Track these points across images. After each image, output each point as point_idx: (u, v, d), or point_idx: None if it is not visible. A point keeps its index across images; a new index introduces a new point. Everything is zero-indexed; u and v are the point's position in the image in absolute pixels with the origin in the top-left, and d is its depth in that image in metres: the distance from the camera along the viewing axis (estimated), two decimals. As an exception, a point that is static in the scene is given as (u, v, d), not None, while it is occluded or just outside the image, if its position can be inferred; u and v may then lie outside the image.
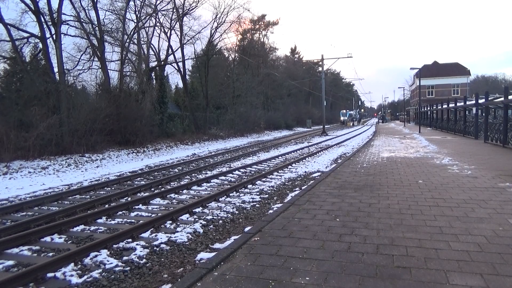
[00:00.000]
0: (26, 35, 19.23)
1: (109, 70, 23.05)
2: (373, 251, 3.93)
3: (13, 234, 5.69)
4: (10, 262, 4.77)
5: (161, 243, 5.31)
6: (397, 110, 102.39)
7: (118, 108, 19.64)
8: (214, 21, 32.12)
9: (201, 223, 6.24)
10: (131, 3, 24.91)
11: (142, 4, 25.29)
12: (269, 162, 14.52)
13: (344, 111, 68.97)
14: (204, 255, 4.68)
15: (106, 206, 7.68)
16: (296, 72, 61.30)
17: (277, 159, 15.49)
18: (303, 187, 8.40)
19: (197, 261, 4.58)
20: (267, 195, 8.36)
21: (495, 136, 16.77)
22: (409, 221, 4.98)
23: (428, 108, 41.23)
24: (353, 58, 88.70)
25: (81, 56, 22.68)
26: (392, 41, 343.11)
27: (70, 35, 22.02)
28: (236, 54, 41.26)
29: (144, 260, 4.76)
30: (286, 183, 9.79)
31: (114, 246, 5.19)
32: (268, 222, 5.11)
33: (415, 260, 3.66)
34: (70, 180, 11.23)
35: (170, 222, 6.36)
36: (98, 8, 22.17)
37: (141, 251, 5.00)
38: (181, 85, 36.15)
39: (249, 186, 9.42)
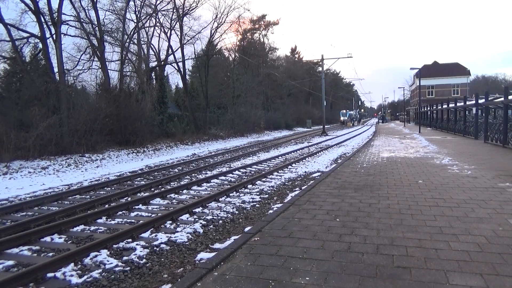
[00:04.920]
0: (26, 35, 19.26)
1: (109, 70, 23.09)
2: (373, 251, 3.93)
3: (13, 234, 5.69)
4: (10, 262, 4.77)
5: (161, 243, 5.31)
6: (397, 110, 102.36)
7: (118, 108, 19.63)
8: (214, 21, 32.17)
9: (201, 223, 6.24)
10: (131, 3, 24.95)
11: (142, 4, 25.33)
12: (269, 162, 14.52)
13: (344, 111, 68.89)
14: (204, 255, 4.68)
15: (106, 206, 7.67)
16: (296, 72, 61.24)
17: (277, 159, 15.49)
18: (303, 187, 8.40)
19: (197, 261, 4.58)
20: (267, 195, 8.36)
21: (495, 136, 16.76)
22: (409, 221, 4.98)
23: (428, 108, 41.22)
24: (353, 58, 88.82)
25: (81, 56, 22.73)
26: (391, 41, 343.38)
27: (70, 35, 22.08)
28: (236, 54, 41.27)
29: (144, 260, 4.76)
30: (286, 183, 9.79)
31: (114, 246, 5.19)
32: (268, 222, 5.11)
33: (415, 260, 3.66)
34: (70, 180, 11.23)
35: (170, 222, 6.36)
36: (98, 8, 22.21)
37: (141, 251, 5.00)
38: (181, 85, 36.20)
39: (249, 186, 9.42)
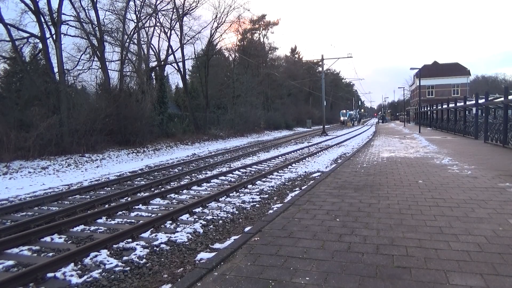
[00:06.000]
0: (26, 35, 19.26)
1: (109, 70, 23.09)
2: (373, 251, 3.93)
3: (13, 234, 5.69)
4: (10, 262, 4.77)
5: (161, 243, 5.30)
6: (397, 110, 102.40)
7: (118, 108, 19.62)
8: (214, 21, 32.23)
9: (201, 223, 6.24)
10: (131, 3, 24.96)
11: (142, 4, 25.33)
12: (269, 162, 14.51)
13: (344, 111, 68.86)
14: (204, 255, 4.68)
15: (106, 206, 7.67)
16: (296, 72, 61.28)
17: (277, 159, 15.49)
18: (303, 187, 8.40)
19: (197, 261, 4.58)
20: (267, 195, 8.36)
21: (495, 136, 16.76)
22: (409, 221, 4.98)
23: (428, 108, 41.22)
24: (353, 58, 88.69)
25: (81, 56, 22.73)
26: (391, 41, 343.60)
27: (70, 35, 22.07)
28: (236, 54, 41.30)
29: (144, 260, 4.76)
30: (286, 183, 9.79)
31: (114, 246, 5.19)
32: (268, 222, 5.11)
33: (415, 260, 3.66)
34: (70, 180, 11.23)
35: (170, 222, 6.36)
36: (98, 8, 22.22)
37: (141, 251, 5.00)
38: (181, 85, 36.21)
39: (249, 186, 9.42)
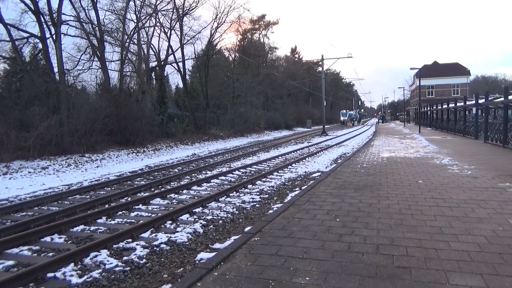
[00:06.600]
0: (26, 35, 19.28)
1: (109, 70, 23.09)
2: (373, 251, 3.93)
3: (13, 234, 5.69)
4: (10, 262, 4.77)
5: (161, 243, 5.31)
6: (397, 110, 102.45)
7: (118, 108, 19.63)
8: (214, 21, 32.20)
9: (201, 223, 6.24)
10: (131, 3, 24.96)
11: (142, 4, 25.33)
12: (269, 162, 14.51)
13: (344, 111, 68.90)
14: (204, 255, 4.68)
15: (106, 206, 7.67)
16: (296, 72, 61.26)
17: (277, 159, 15.49)
18: (303, 187, 8.40)
19: (197, 261, 4.58)
20: (267, 195, 8.36)
21: (495, 136, 16.77)
22: (409, 221, 4.98)
23: (428, 108, 41.23)
24: (353, 58, 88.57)
25: (81, 56, 22.74)
26: (391, 41, 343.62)
27: (70, 35, 22.09)
28: (236, 54, 41.28)
29: (144, 260, 4.76)
30: (286, 183, 9.79)
31: (114, 246, 5.19)
32: (268, 222, 5.11)
33: (415, 260, 3.66)
34: (70, 180, 11.23)
35: (170, 222, 6.36)
36: (98, 8, 22.23)
37: (141, 251, 5.00)
38: (181, 85, 36.22)
39: (249, 186, 9.42)
